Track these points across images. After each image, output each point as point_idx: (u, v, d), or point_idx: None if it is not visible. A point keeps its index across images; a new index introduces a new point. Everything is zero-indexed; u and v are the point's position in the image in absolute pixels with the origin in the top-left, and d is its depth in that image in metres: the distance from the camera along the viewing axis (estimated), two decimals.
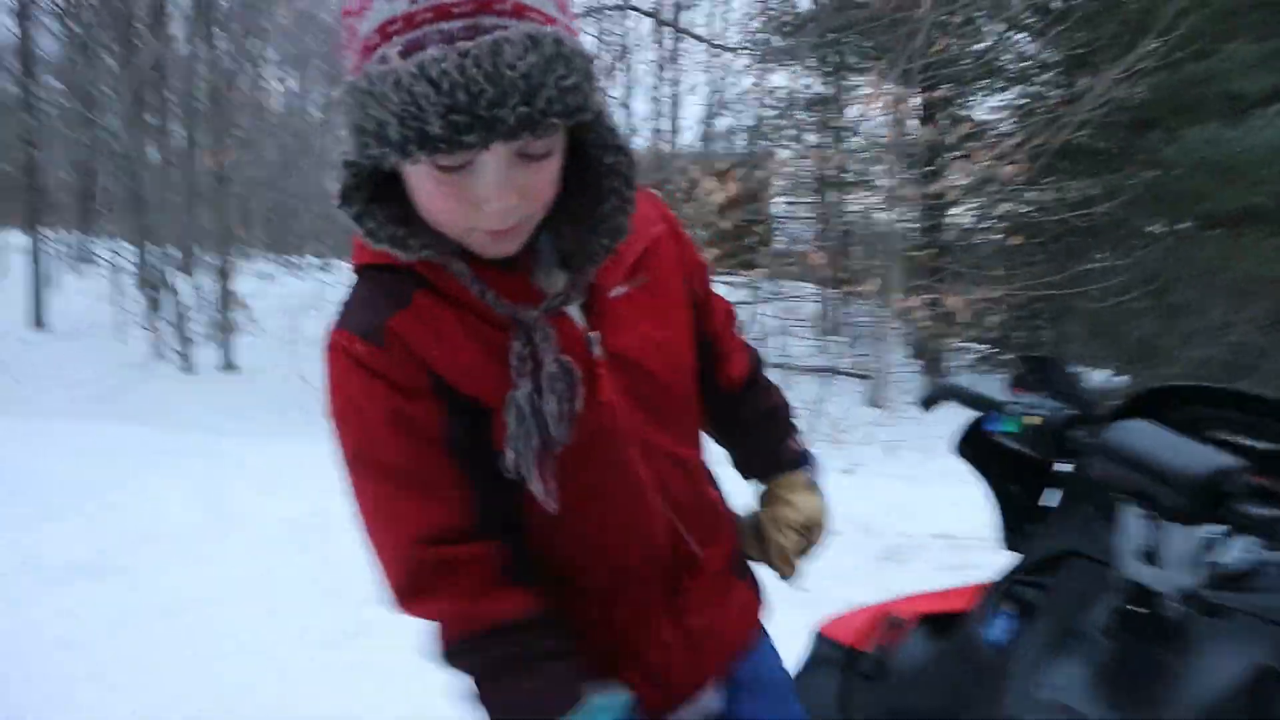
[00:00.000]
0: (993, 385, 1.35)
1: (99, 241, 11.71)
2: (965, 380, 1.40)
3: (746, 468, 1.26)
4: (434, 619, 0.91)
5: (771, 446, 1.24)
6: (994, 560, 1.33)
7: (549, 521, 0.93)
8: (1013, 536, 1.39)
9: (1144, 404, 1.29)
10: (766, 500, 1.24)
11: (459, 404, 0.89)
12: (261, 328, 8.28)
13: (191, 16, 9.78)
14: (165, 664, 2.78)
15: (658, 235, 1.05)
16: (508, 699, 0.90)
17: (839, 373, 10.28)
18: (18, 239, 10.99)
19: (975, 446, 1.38)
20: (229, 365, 8.12)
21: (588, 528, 0.98)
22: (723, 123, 11.16)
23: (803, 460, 1.25)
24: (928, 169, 10.07)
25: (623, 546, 1.01)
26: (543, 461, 0.90)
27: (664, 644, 1.05)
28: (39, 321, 9.41)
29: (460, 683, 0.91)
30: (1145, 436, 1.08)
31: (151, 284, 8.68)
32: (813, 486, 1.24)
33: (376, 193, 0.86)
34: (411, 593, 0.90)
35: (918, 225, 11.74)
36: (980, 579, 1.32)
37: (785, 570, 1.21)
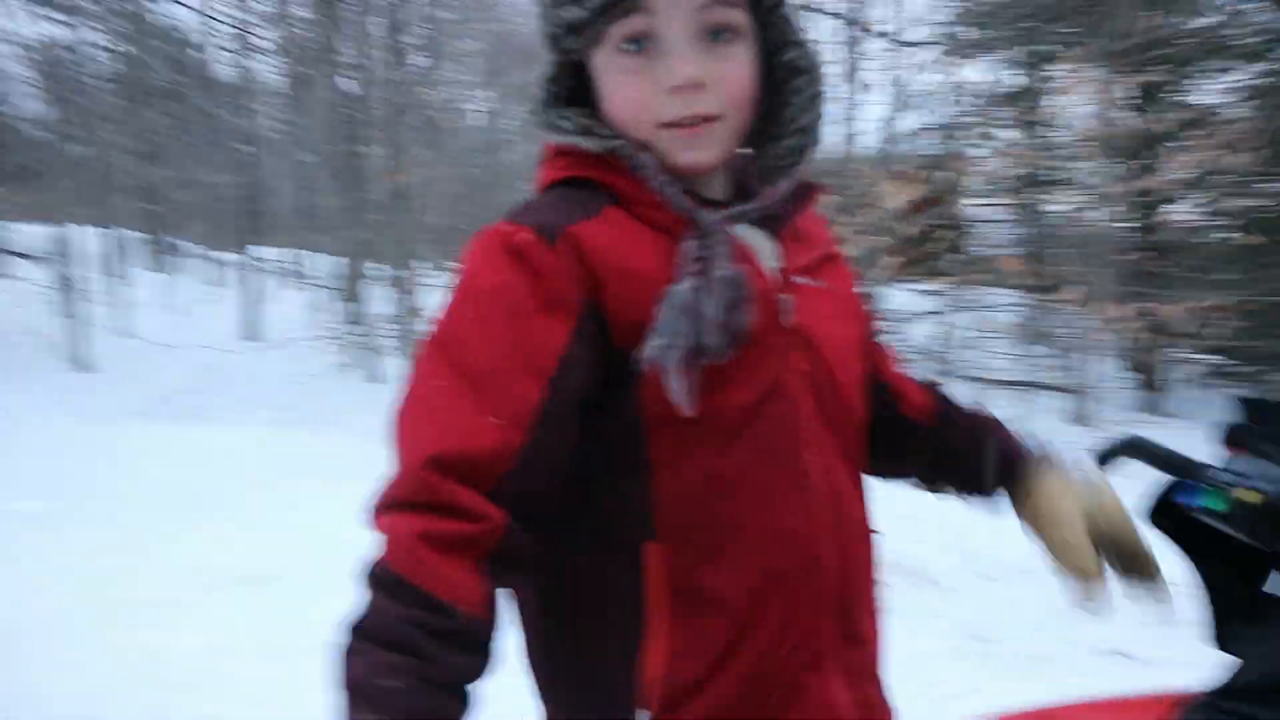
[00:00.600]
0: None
1: (311, 257, 12.61)
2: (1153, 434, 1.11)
3: (976, 486, 1.07)
4: (386, 533, 0.72)
5: (1001, 449, 1.05)
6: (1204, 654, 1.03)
7: (687, 492, 0.81)
8: (1224, 633, 1.06)
9: None
10: (1025, 505, 1.03)
11: (602, 341, 0.79)
12: None
13: (388, 43, 10.28)
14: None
15: (836, 254, 0.98)
16: (374, 663, 0.68)
17: (1041, 387, 9.48)
18: (236, 257, 11.98)
19: (1172, 518, 1.07)
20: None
21: (739, 510, 0.82)
22: (907, 123, 10.60)
23: (1034, 458, 1.05)
24: (1140, 162, 9.13)
25: (780, 546, 0.84)
26: (688, 365, 0.79)
27: (830, 703, 0.86)
28: (250, 334, 10.19)
29: (351, 608, 0.71)
30: None
31: (346, 297, 9.16)
32: (1063, 474, 1.02)
33: (567, 104, 0.86)
34: (388, 508, 0.73)
35: (1130, 225, 10.72)
36: (1184, 682, 1.03)
37: (1088, 572, 0.97)
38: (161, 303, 13.23)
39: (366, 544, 0.72)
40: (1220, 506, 0.96)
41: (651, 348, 0.78)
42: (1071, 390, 9.17)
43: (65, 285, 8.54)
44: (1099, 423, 8.43)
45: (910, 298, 10.08)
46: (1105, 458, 1.13)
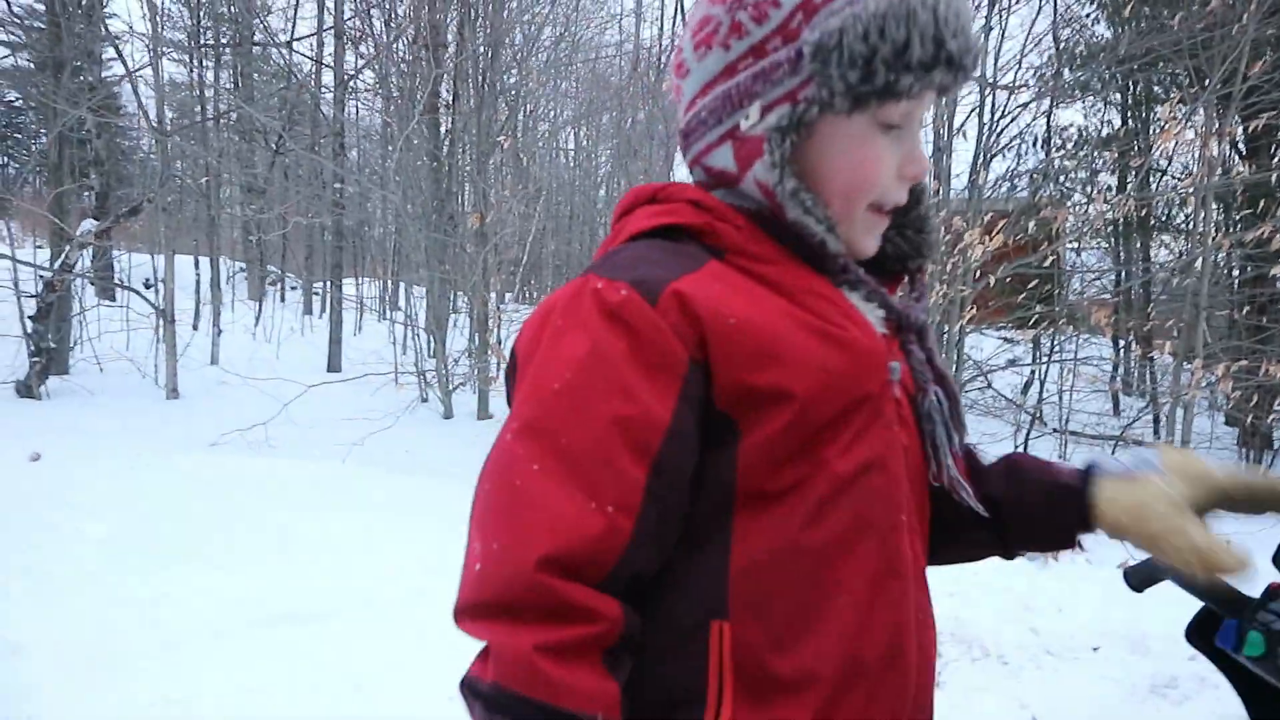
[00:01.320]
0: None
1: (402, 293, 13.01)
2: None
3: (1050, 539, 0.95)
4: (495, 647, 0.67)
5: (1049, 496, 0.92)
6: None
7: (767, 565, 0.74)
8: None
9: None
10: (1105, 520, 0.88)
11: (707, 404, 0.73)
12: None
13: (483, 85, 10.57)
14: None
15: (927, 327, 0.96)
16: None
17: (1132, 443, 9.01)
18: (328, 288, 12.41)
19: (1212, 645, 0.94)
20: (485, 413, 8.55)
21: (825, 590, 0.75)
22: (999, 168, 10.34)
23: (1088, 473, 0.91)
24: (1248, 211, 8.66)
25: (870, 635, 0.77)
26: (941, 461, 0.84)
27: None
28: (334, 365, 10.52)
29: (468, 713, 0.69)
30: None
31: (429, 332, 9.35)
32: (1129, 477, 0.88)
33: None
34: (493, 613, 0.68)
35: (1235, 276, 10.16)
36: None
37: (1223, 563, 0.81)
38: (256, 332, 13.83)
39: (462, 648, 0.68)
40: (1259, 652, 0.85)
41: (935, 471, 0.83)
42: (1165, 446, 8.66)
43: (164, 315, 8.95)
44: None
45: (995, 346, 9.74)
46: (1138, 583, 1.01)
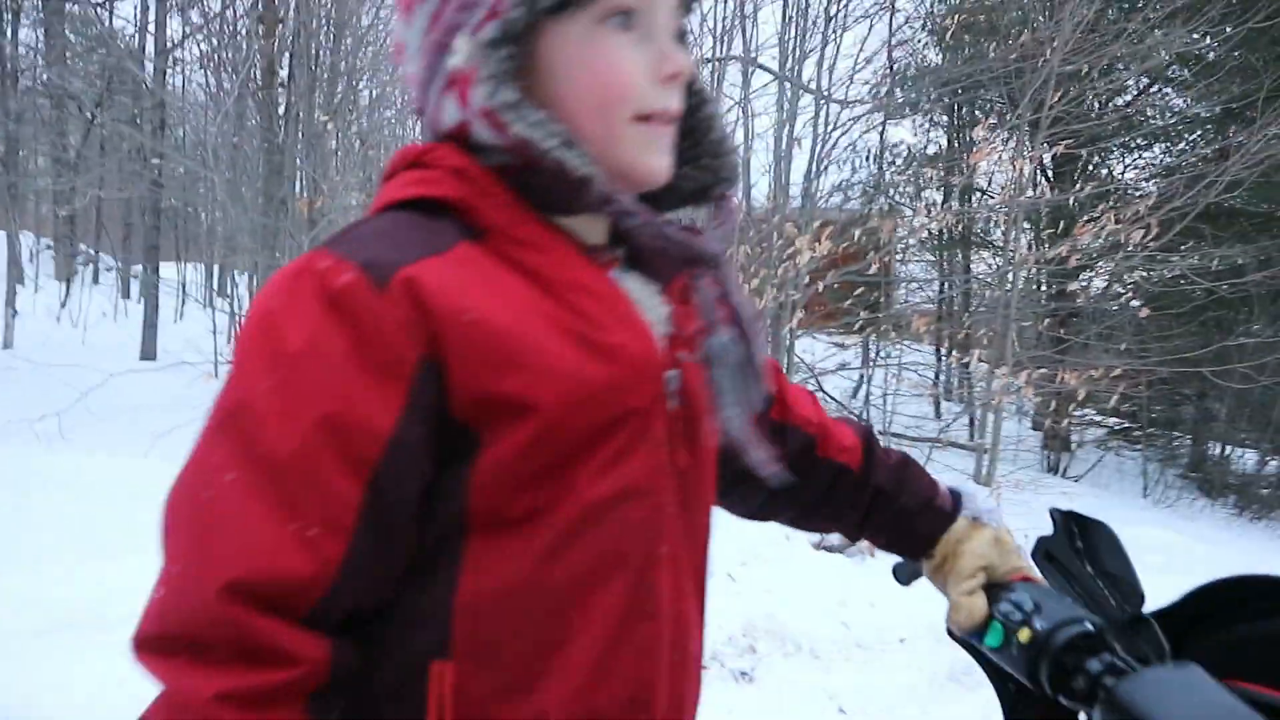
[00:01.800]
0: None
1: (226, 278, 12.28)
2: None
3: (900, 544, 1.02)
4: (170, 691, 0.59)
5: (922, 507, 0.99)
6: None
7: (498, 602, 0.65)
8: None
9: (1213, 610, 0.88)
10: (938, 566, 0.98)
11: (440, 411, 0.63)
12: None
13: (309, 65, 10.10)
14: None
15: None
16: None
17: (948, 444, 9.57)
18: (144, 271, 11.55)
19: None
20: None
21: (561, 633, 0.67)
22: (831, 179, 10.76)
23: (956, 503, 0.99)
24: (1051, 230, 9.36)
25: (610, 685, 0.68)
26: (757, 426, 0.75)
27: None
28: (145, 353, 9.83)
29: None
30: (1186, 704, 0.69)
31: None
32: (977, 523, 0.98)
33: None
34: (173, 649, 0.58)
35: (1042, 291, 10.98)
36: None
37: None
38: (61, 316, 12.74)
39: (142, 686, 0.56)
40: (996, 643, 0.89)
41: (725, 420, 0.72)
42: (977, 449, 9.27)
43: None
44: (999, 484, 8.52)
45: (825, 350, 10.14)
46: (904, 576, 1.07)
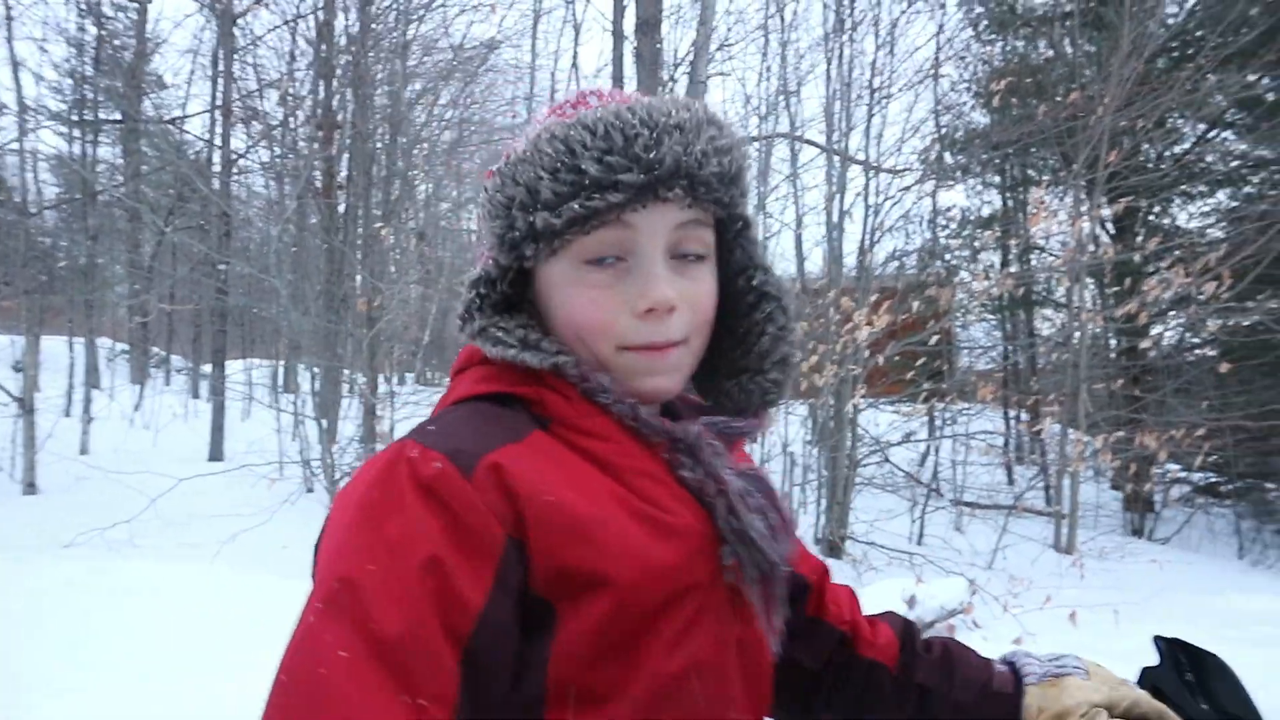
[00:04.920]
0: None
1: (290, 377, 12.54)
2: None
3: None
4: None
5: (979, 697, 0.91)
6: None
7: None
8: None
9: None
10: None
11: (523, 587, 0.68)
12: None
13: (365, 169, 10.43)
14: None
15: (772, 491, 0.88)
16: None
17: (1024, 511, 9.19)
18: (212, 371, 11.87)
19: None
20: None
21: None
22: (886, 248, 10.67)
23: (1018, 675, 0.92)
24: (1117, 288, 9.10)
25: None
26: (768, 595, 0.75)
27: None
28: (214, 454, 10.01)
29: None
30: None
31: (318, 418, 9.02)
32: (1055, 679, 0.90)
33: (503, 310, 0.80)
34: None
35: (1112, 349, 10.64)
36: None
37: None
38: (134, 419, 13.12)
39: None
40: None
41: (730, 569, 0.73)
42: (1054, 515, 8.88)
43: (22, 403, 8.39)
44: (1081, 551, 8.12)
45: (890, 421, 9.90)
46: None
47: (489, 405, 0.75)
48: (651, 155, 0.72)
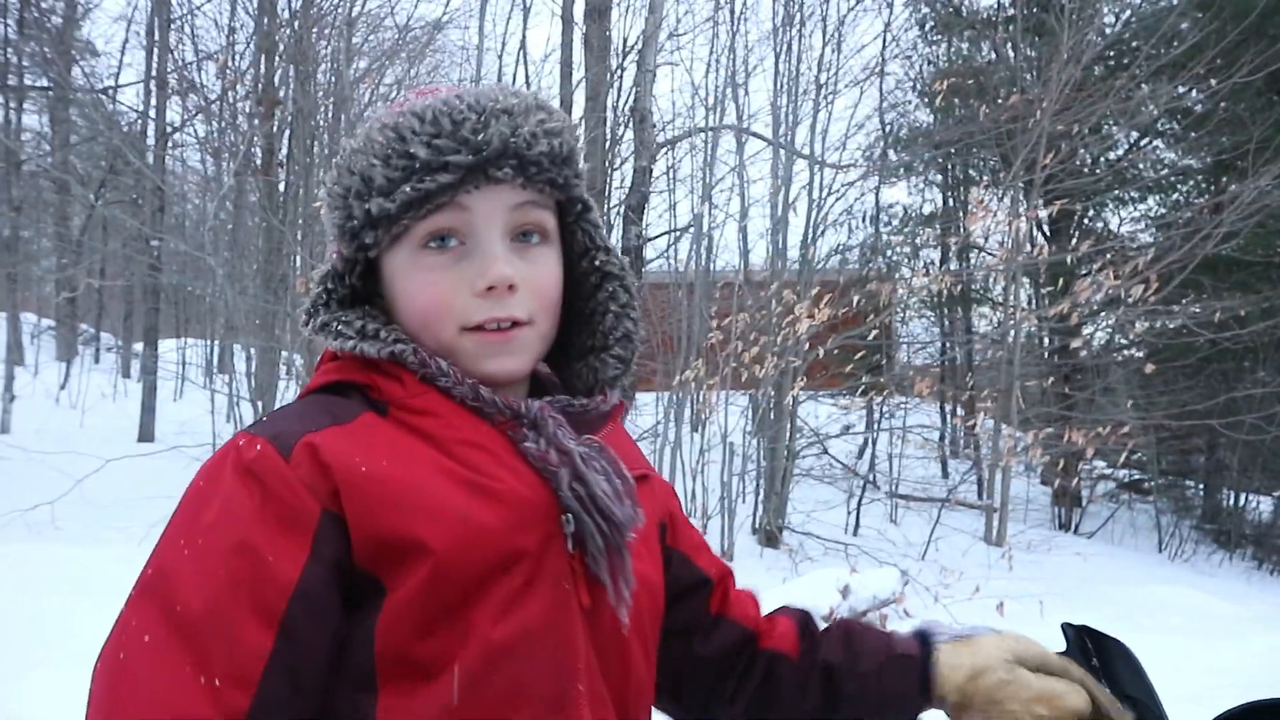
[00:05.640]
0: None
1: (227, 358, 12.23)
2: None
3: (887, 712, 0.91)
4: None
5: (885, 664, 0.90)
6: None
7: None
8: None
9: None
10: (963, 703, 0.87)
11: (344, 560, 0.68)
12: None
13: (306, 148, 10.21)
14: None
15: (651, 476, 0.91)
16: None
17: (957, 504, 9.42)
18: (144, 350, 11.52)
19: None
20: None
21: None
22: (829, 243, 10.80)
23: (925, 639, 0.90)
24: (1051, 288, 9.35)
25: None
26: (614, 559, 0.74)
27: None
28: (144, 435, 9.74)
29: None
30: None
31: (254, 399, 8.84)
32: (966, 639, 0.89)
33: (349, 305, 0.81)
34: None
35: (1044, 347, 10.93)
36: None
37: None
38: (60, 398, 12.69)
39: None
40: None
41: (573, 536, 0.73)
42: (986, 509, 9.12)
43: None
44: (1011, 544, 8.35)
45: (829, 414, 10.05)
46: None
47: (327, 396, 0.77)
48: (479, 137, 0.74)
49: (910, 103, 12.87)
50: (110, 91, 14.93)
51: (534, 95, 0.79)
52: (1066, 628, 0.93)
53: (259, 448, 0.69)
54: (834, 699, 0.90)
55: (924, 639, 0.90)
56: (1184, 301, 8.83)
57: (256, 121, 10.76)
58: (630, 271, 0.87)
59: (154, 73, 12.03)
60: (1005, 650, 0.85)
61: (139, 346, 14.49)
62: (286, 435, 0.70)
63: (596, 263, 0.85)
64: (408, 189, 0.74)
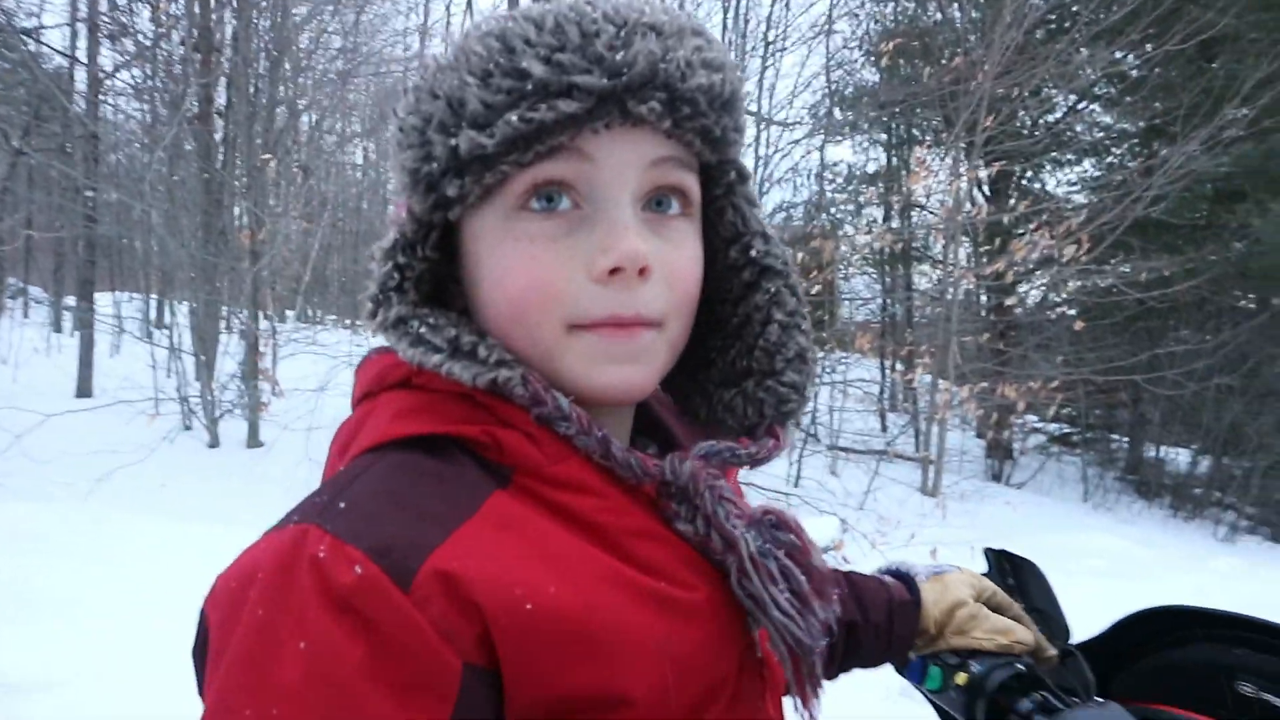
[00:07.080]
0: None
1: (167, 310, 11.95)
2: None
3: (889, 656, 0.94)
4: None
5: (890, 613, 0.92)
6: None
7: None
8: None
9: (1140, 638, 0.91)
10: (936, 635, 0.93)
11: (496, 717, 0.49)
12: (286, 404, 8.16)
13: (249, 96, 9.98)
14: None
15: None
16: None
17: (895, 456, 9.73)
18: (78, 303, 11.25)
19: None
20: (255, 441, 8.04)
21: None
22: (774, 198, 10.93)
23: (909, 582, 0.94)
24: (989, 247, 9.62)
25: None
26: (801, 677, 0.57)
27: None
28: (81, 390, 9.55)
29: None
30: None
31: (195, 354, 8.71)
32: (940, 576, 0.95)
33: (432, 299, 0.60)
34: None
35: (981, 304, 11.25)
36: None
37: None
38: None
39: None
40: (936, 685, 0.92)
41: (758, 646, 0.60)
42: (922, 461, 9.43)
43: None
44: (945, 494, 8.68)
45: None
46: None
47: (418, 456, 0.53)
48: (619, 56, 0.52)
49: (857, 62, 12.98)
50: (34, 32, 14.32)
51: (688, 15, 0.58)
52: (988, 551, 1.05)
53: (358, 570, 0.46)
54: (852, 654, 0.90)
55: (907, 580, 0.94)
56: (1113, 262, 9.15)
57: (194, 69, 10.45)
58: (797, 269, 0.65)
59: (83, 14, 11.58)
60: (969, 586, 0.93)
61: (70, 300, 14.10)
62: (399, 550, 0.47)
63: (752, 253, 0.63)
64: (513, 118, 0.52)
